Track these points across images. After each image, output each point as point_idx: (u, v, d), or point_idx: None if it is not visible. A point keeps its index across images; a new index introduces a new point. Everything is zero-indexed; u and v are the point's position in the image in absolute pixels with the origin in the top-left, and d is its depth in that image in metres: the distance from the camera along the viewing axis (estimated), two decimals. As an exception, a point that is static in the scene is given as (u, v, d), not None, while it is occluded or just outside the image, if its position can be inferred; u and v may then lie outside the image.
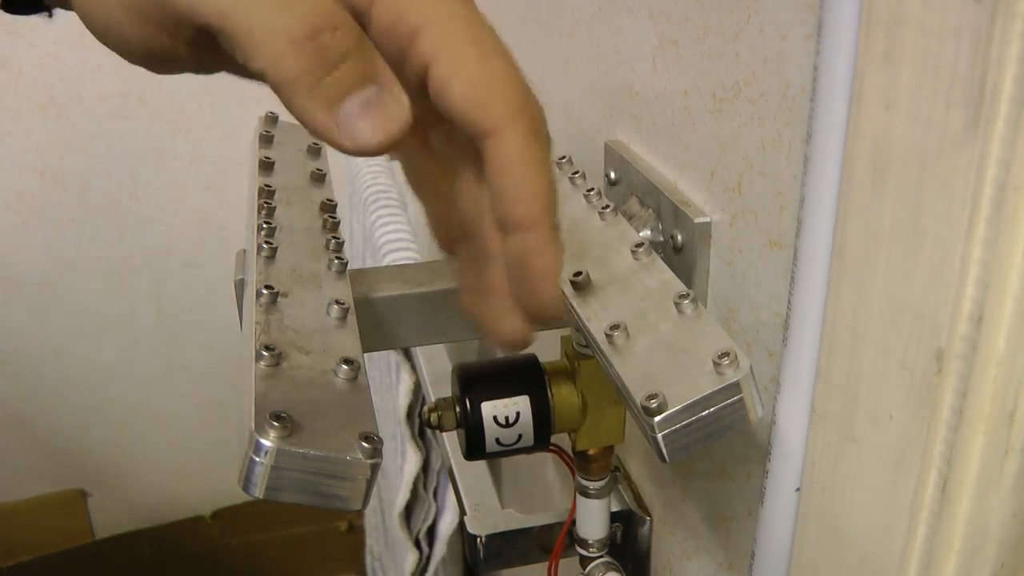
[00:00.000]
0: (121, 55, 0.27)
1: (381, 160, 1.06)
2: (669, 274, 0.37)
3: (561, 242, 0.27)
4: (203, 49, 0.26)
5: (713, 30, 0.40)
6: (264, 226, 0.41)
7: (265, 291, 0.35)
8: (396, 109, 0.24)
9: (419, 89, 0.26)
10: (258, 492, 0.27)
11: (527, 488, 0.92)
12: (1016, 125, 0.24)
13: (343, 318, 0.35)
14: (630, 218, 0.46)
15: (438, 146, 0.30)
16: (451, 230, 0.31)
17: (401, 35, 0.25)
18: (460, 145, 0.28)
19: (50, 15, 0.30)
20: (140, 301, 1.51)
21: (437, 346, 0.90)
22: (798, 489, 0.36)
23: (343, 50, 0.24)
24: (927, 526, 0.29)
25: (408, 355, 0.88)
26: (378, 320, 0.42)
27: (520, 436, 0.45)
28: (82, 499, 1.64)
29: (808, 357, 0.34)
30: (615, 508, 0.56)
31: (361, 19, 0.25)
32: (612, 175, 0.52)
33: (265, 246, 0.39)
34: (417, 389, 0.86)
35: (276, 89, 0.24)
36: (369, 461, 0.28)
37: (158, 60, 0.27)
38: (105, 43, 0.27)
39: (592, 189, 0.44)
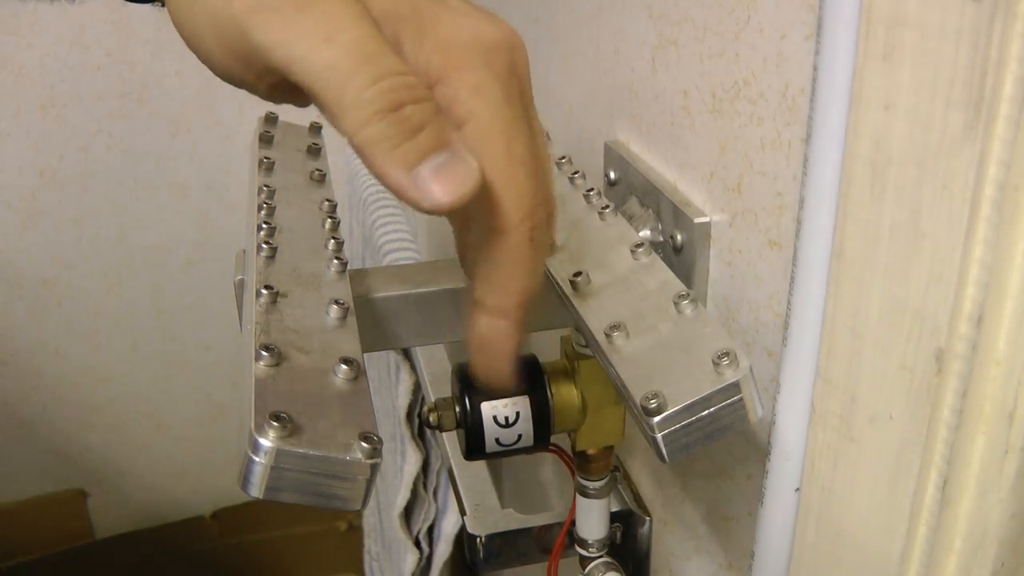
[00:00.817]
0: (205, 65, 0.30)
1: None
2: (669, 274, 0.37)
3: (526, 333, 0.30)
4: (282, 90, 0.29)
5: (713, 30, 0.40)
6: (264, 226, 0.41)
7: (265, 291, 0.35)
8: (465, 172, 0.26)
9: None
10: (258, 492, 0.27)
11: (527, 488, 0.92)
12: (1016, 125, 0.24)
13: (343, 318, 0.35)
14: (630, 218, 0.46)
15: None
16: (469, 260, 0.33)
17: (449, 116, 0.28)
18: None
19: (162, 4, 0.32)
20: (140, 301, 1.51)
21: (437, 346, 0.90)
22: (798, 489, 0.36)
23: (422, 121, 0.26)
24: (927, 526, 0.29)
25: (408, 355, 0.88)
26: (378, 320, 0.42)
27: (520, 436, 0.45)
28: (82, 499, 1.64)
29: (808, 357, 0.34)
30: (615, 508, 0.56)
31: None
32: (612, 175, 0.52)
33: (265, 246, 0.39)
34: (417, 389, 0.86)
35: (357, 149, 0.26)
36: (369, 461, 0.28)
37: (234, 84, 0.29)
38: (193, 52, 0.29)
39: (592, 189, 0.44)
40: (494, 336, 0.29)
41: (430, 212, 0.27)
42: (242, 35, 0.26)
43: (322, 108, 0.26)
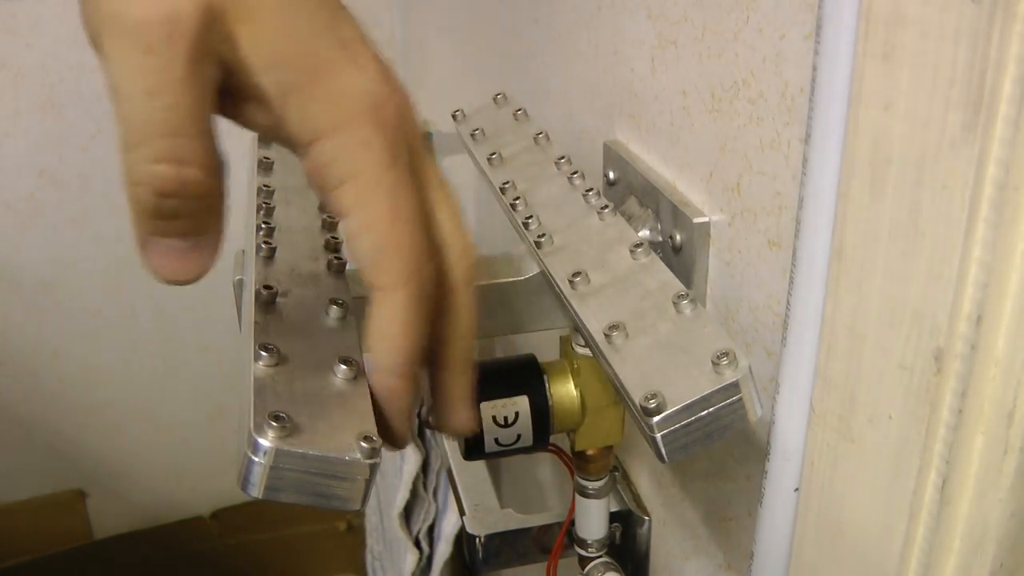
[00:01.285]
0: None
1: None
2: (668, 274, 0.37)
3: (417, 388, 0.31)
4: None
5: (712, 30, 0.40)
6: (263, 226, 0.41)
7: (264, 291, 0.35)
8: (190, 267, 0.29)
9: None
10: (257, 492, 0.27)
11: (526, 488, 0.92)
12: (1015, 125, 0.24)
13: (342, 318, 0.35)
14: (629, 218, 0.46)
15: None
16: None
17: (328, 179, 0.28)
18: None
19: None
20: (139, 302, 1.51)
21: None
22: (797, 489, 0.36)
23: (180, 213, 0.27)
24: (926, 526, 0.29)
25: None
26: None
27: (519, 436, 0.45)
28: (81, 499, 1.64)
29: (807, 357, 0.34)
30: (614, 508, 0.56)
31: (298, 149, 0.28)
32: (611, 175, 0.52)
33: (264, 246, 0.39)
34: (416, 389, 0.86)
35: (129, 199, 0.28)
36: (368, 461, 0.28)
37: None
38: None
39: (591, 189, 0.44)
40: (389, 396, 0.30)
41: (158, 278, 0.29)
42: (96, 35, 0.26)
43: (117, 135, 0.27)
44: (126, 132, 0.26)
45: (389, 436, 0.31)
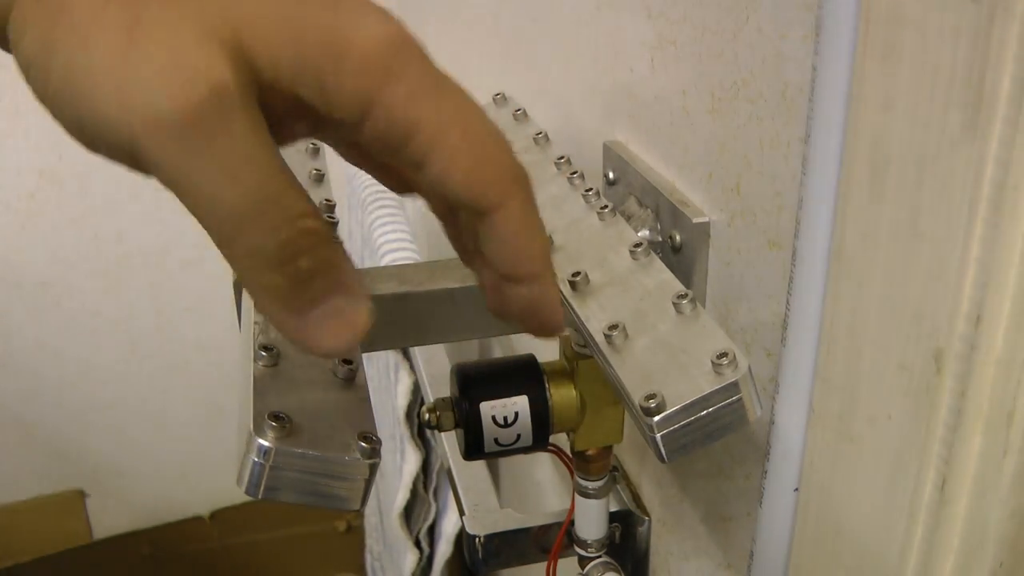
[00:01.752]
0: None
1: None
2: (668, 274, 0.37)
3: (557, 282, 0.30)
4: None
5: (711, 30, 0.40)
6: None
7: (264, 291, 0.34)
8: (356, 320, 0.26)
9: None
10: (257, 492, 0.27)
11: (526, 488, 0.92)
12: (1015, 125, 0.24)
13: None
14: (628, 218, 0.46)
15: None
16: (466, 246, 0.32)
17: (393, 140, 0.26)
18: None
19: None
20: (139, 301, 1.51)
21: (436, 346, 0.90)
22: (797, 489, 0.36)
23: (316, 269, 0.25)
24: (926, 526, 0.29)
25: (407, 355, 0.88)
26: (376, 320, 0.42)
27: (519, 436, 0.45)
28: (81, 499, 1.64)
29: (807, 357, 0.34)
30: (614, 508, 0.56)
31: (351, 130, 0.26)
32: (611, 175, 0.52)
33: (264, 246, 0.39)
34: (416, 389, 0.86)
35: (246, 289, 0.25)
36: (368, 461, 0.28)
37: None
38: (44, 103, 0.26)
39: (591, 189, 0.44)
40: (540, 299, 0.29)
41: (317, 355, 0.26)
42: (130, 144, 0.23)
43: (209, 234, 0.25)
44: (220, 227, 0.24)
45: (547, 332, 0.30)
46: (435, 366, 0.87)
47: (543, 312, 0.29)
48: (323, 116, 0.25)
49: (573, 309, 0.37)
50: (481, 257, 0.29)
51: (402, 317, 0.43)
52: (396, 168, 0.30)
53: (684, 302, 0.34)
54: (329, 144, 0.32)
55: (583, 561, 0.54)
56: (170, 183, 0.23)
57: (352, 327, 0.26)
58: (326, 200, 0.45)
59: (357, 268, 0.26)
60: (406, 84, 0.25)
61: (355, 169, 1.01)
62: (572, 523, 0.54)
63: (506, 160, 0.27)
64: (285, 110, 0.25)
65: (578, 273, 0.38)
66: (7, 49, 0.25)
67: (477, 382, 0.45)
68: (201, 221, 0.24)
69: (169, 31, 0.23)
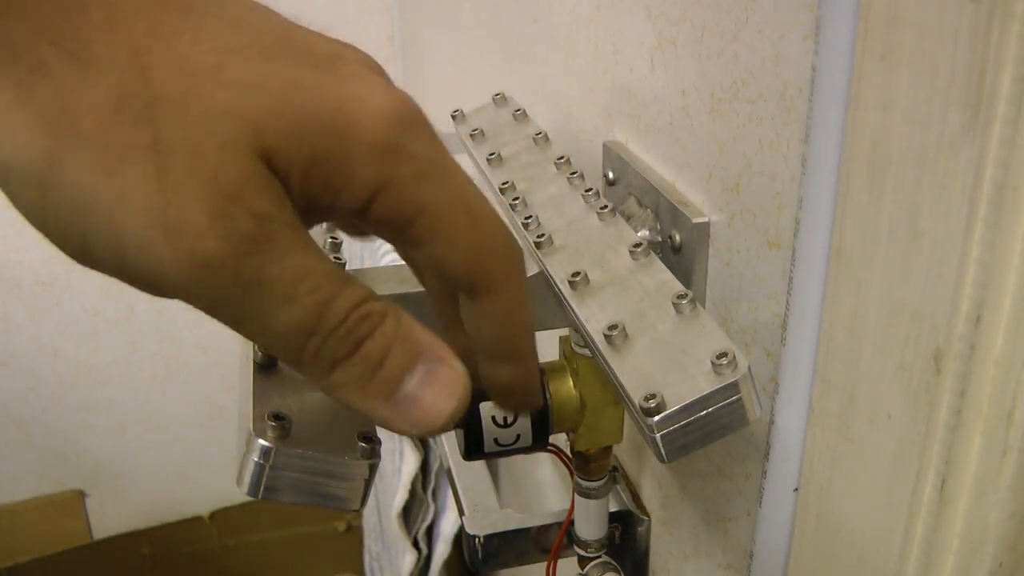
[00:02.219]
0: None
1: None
2: (667, 274, 0.37)
3: (537, 365, 0.30)
4: None
5: (711, 30, 0.40)
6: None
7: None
8: (449, 377, 0.25)
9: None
10: (257, 493, 0.27)
11: (525, 488, 0.92)
12: (1014, 125, 0.24)
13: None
14: (628, 218, 0.46)
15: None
16: (451, 320, 0.31)
17: (399, 222, 0.25)
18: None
19: None
20: (139, 302, 1.51)
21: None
22: (796, 489, 0.36)
23: (385, 348, 0.24)
24: (925, 526, 0.29)
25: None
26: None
27: (518, 436, 0.45)
28: (80, 500, 1.64)
29: (806, 357, 0.34)
30: (613, 508, 0.56)
31: (357, 214, 0.25)
32: (610, 175, 0.52)
33: (263, 246, 0.39)
34: (416, 389, 0.86)
35: (327, 393, 0.25)
36: (367, 461, 0.28)
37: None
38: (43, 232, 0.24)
39: (590, 189, 0.44)
40: (522, 380, 0.30)
41: (427, 435, 0.26)
42: (174, 285, 0.22)
43: (270, 352, 0.25)
44: (283, 346, 0.23)
45: (524, 407, 0.31)
46: (435, 366, 0.86)
47: (521, 392, 0.30)
48: (332, 205, 0.25)
49: (573, 309, 0.37)
50: (464, 332, 0.29)
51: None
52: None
53: (684, 302, 0.34)
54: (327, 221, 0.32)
55: (583, 561, 0.54)
56: (220, 317, 0.23)
57: (450, 390, 0.25)
58: None
59: (408, 318, 0.26)
60: (413, 166, 0.25)
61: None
62: (572, 523, 0.54)
63: (506, 243, 0.27)
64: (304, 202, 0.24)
65: (578, 273, 0.38)
66: None
67: (476, 382, 0.45)
68: (259, 343, 0.24)
69: (196, 151, 0.21)
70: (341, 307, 0.23)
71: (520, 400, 0.31)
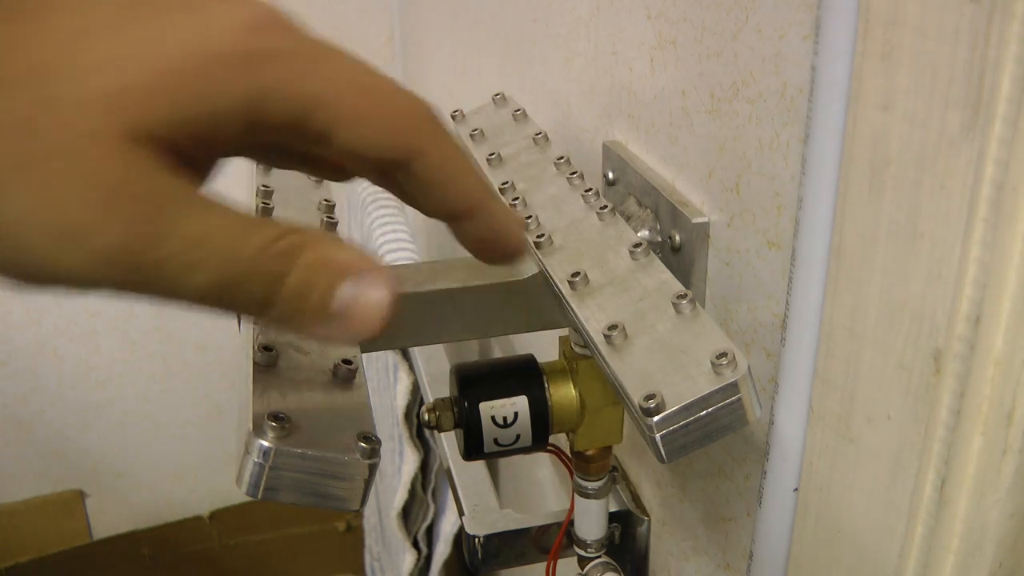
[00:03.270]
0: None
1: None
2: (667, 274, 0.37)
3: (503, 203, 0.30)
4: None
5: (711, 30, 0.40)
6: (262, 226, 0.41)
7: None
8: (375, 284, 0.25)
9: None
10: (256, 493, 0.27)
11: (525, 488, 0.92)
12: (1014, 125, 0.24)
13: None
14: (628, 218, 0.46)
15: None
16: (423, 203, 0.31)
17: (297, 126, 0.25)
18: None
19: None
20: (139, 301, 1.51)
21: (435, 346, 0.90)
22: (796, 489, 0.36)
23: (307, 275, 0.25)
24: (925, 526, 0.29)
25: (406, 355, 0.88)
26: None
27: (518, 436, 0.45)
28: (80, 500, 1.64)
29: (806, 357, 0.34)
30: (613, 508, 0.56)
31: (260, 134, 0.25)
32: (610, 175, 0.52)
33: (263, 246, 0.39)
34: (415, 389, 0.86)
35: (273, 328, 0.25)
36: (367, 461, 0.28)
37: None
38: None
39: (590, 189, 0.44)
40: (492, 227, 0.29)
41: (372, 337, 0.26)
42: (85, 282, 0.23)
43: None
44: (207, 305, 0.24)
45: (513, 255, 0.30)
46: (435, 366, 0.87)
47: (500, 239, 0.30)
48: (233, 139, 0.25)
49: (572, 309, 0.37)
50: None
51: (401, 317, 0.43)
52: (323, 157, 0.30)
53: (683, 302, 0.34)
54: (266, 161, 0.32)
55: (583, 561, 0.54)
56: (142, 298, 0.24)
57: (375, 294, 0.25)
58: (325, 200, 0.45)
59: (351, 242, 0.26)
60: (286, 63, 0.25)
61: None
62: (572, 523, 0.54)
63: (412, 103, 0.27)
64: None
65: (578, 273, 0.38)
66: None
67: (477, 382, 0.45)
68: (187, 308, 0.24)
69: (72, 151, 0.22)
70: (247, 254, 0.24)
71: (504, 248, 0.30)
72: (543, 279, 0.41)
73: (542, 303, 0.43)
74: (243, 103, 0.24)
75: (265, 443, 0.27)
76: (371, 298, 0.25)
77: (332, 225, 0.43)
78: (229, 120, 0.24)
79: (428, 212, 0.29)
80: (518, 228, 0.30)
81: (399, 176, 0.28)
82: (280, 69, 0.25)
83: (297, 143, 0.26)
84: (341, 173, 0.32)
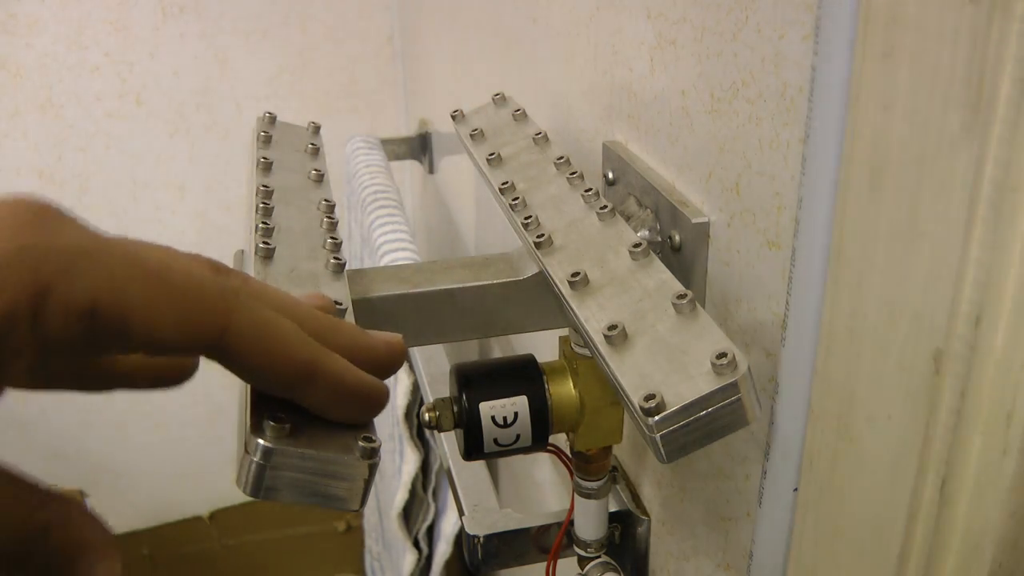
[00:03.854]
0: None
1: (380, 160, 1.06)
2: (667, 274, 0.37)
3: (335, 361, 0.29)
4: None
5: (711, 30, 0.40)
6: (262, 226, 0.41)
7: (263, 291, 0.34)
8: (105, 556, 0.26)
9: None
10: (256, 493, 0.27)
11: (525, 488, 0.92)
12: (1014, 125, 0.24)
13: (341, 318, 0.35)
14: (628, 218, 0.46)
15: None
16: None
17: (85, 331, 0.23)
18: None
19: None
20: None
21: (435, 346, 0.90)
22: (796, 489, 0.36)
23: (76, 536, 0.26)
24: (925, 526, 0.29)
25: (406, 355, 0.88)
26: (376, 320, 0.42)
27: (518, 436, 0.45)
28: (80, 499, 1.64)
29: (806, 357, 0.34)
30: (613, 508, 0.56)
31: (51, 350, 0.23)
32: (610, 175, 0.52)
33: (263, 246, 0.39)
34: (415, 389, 0.86)
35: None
36: (367, 461, 0.28)
37: None
38: None
39: (590, 189, 0.44)
40: (332, 390, 0.28)
41: None
42: None
43: None
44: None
45: (371, 400, 0.29)
46: (435, 366, 0.87)
47: (346, 397, 0.28)
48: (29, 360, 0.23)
49: (572, 309, 0.37)
50: None
51: (401, 317, 0.43)
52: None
53: (683, 302, 0.34)
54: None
55: (583, 561, 0.54)
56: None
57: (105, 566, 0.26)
58: (325, 200, 0.45)
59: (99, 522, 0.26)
60: (64, 257, 0.23)
61: (355, 169, 1.01)
62: (572, 523, 0.54)
63: (204, 279, 0.25)
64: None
65: (578, 273, 0.38)
66: None
67: (477, 382, 0.45)
68: None
69: None
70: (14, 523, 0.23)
71: (355, 403, 0.29)
72: (543, 279, 0.41)
73: (542, 303, 0.43)
74: (27, 300, 0.22)
75: (265, 443, 0.27)
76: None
77: (332, 225, 0.43)
78: (11, 324, 0.22)
79: (268, 389, 0.28)
80: (359, 383, 0.28)
81: (217, 360, 0.26)
82: (60, 262, 0.23)
83: (94, 346, 0.24)
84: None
